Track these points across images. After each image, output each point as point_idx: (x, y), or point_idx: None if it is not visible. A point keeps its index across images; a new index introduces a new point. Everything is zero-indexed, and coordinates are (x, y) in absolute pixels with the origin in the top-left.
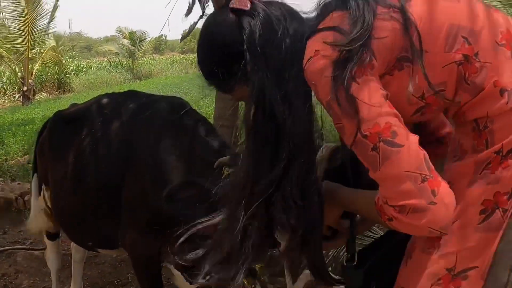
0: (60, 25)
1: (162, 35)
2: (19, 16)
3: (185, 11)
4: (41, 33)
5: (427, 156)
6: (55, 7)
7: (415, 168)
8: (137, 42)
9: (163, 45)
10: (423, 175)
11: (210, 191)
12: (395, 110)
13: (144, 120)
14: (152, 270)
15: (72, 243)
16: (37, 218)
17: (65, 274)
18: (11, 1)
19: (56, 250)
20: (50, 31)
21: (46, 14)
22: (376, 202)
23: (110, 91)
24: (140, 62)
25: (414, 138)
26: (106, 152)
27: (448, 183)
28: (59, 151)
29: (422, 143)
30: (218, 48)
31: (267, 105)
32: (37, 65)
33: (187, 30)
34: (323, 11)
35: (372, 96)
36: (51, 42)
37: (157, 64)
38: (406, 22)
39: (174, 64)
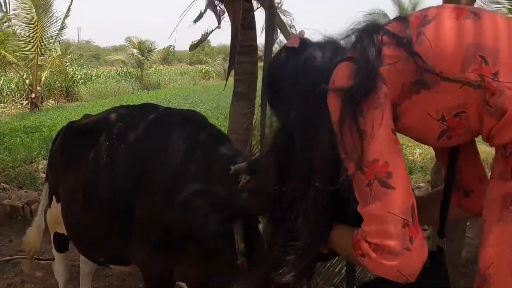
0: (69, 33)
1: (170, 46)
2: (29, 23)
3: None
4: (50, 40)
5: (415, 203)
6: (66, 15)
7: (399, 212)
8: (146, 52)
9: (171, 56)
10: (406, 221)
11: (225, 200)
12: (398, 147)
13: (158, 134)
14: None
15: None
16: (32, 233)
17: (72, 285)
18: (21, 8)
19: (64, 262)
20: (59, 39)
21: (56, 21)
22: (353, 236)
23: (118, 101)
24: (148, 73)
25: (407, 183)
26: (119, 166)
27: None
28: (70, 163)
29: (448, 188)
30: (270, 78)
31: (291, 134)
32: (45, 72)
33: (197, 40)
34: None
35: (376, 132)
36: (58, 50)
37: (165, 74)
38: (412, 53)
39: (183, 75)
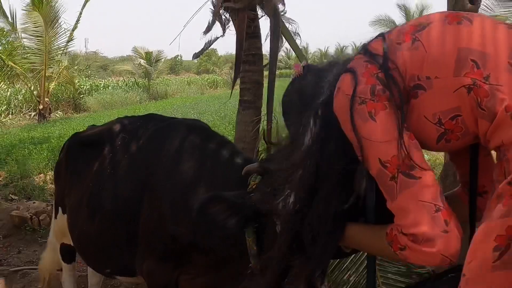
0: (77, 44)
1: (177, 55)
2: (38, 36)
3: (201, 32)
4: (57, 52)
5: (441, 190)
6: (75, 27)
7: (429, 199)
8: (153, 62)
9: (178, 66)
10: (437, 206)
11: (239, 204)
12: (415, 141)
13: (162, 144)
14: None
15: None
16: (47, 258)
17: None
18: (30, 22)
19: (72, 273)
20: (67, 50)
21: (65, 33)
22: (387, 233)
23: (125, 111)
24: (156, 82)
25: (430, 172)
26: (124, 177)
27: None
28: (76, 175)
29: (473, 189)
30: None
31: (301, 147)
32: (53, 83)
33: (200, 50)
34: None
35: (390, 130)
36: (65, 61)
37: (172, 84)
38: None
39: (190, 85)
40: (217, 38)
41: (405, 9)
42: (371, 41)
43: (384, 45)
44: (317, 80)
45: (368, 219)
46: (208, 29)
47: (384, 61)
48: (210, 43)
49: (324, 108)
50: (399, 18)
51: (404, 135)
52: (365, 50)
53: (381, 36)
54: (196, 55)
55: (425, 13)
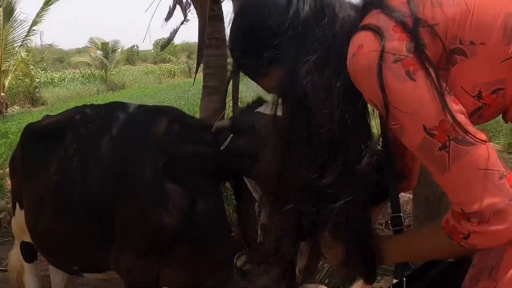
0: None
1: (134, 45)
2: None
3: (159, 21)
4: (13, 45)
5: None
6: (35, 22)
7: (491, 165)
8: (110, 52)
9: (135, 56)
10: (500, 172)
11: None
12: (460, 106)
13: (137, 132)
14: None
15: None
16: (14, 256)
17: None
18: None
19: (35, 272)
20: (24, 43)
21: (21, 25)
22: (443, 226)
23: (83, 103)
24: (113, 73)
25: (483, 136)
26: (95, 169)
27: None
28: (34, 168)
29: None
30: (259, 23)
31: (298, 95)
32: (9, 78)
33: (162, 39)
34: (365, 7)
35: (434, 92)
36: (22, 55)
37: (130, 75)
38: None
39: (147, 75)
40: (182, 23)
41: None
42: None
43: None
44: (320, 6)
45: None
46: (170, 14)
47: (414, 18)
48: (175, 31)
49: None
50: None
51: (448, 99)
52: (383, 5)
53: None
54: (163, 46)
55: None
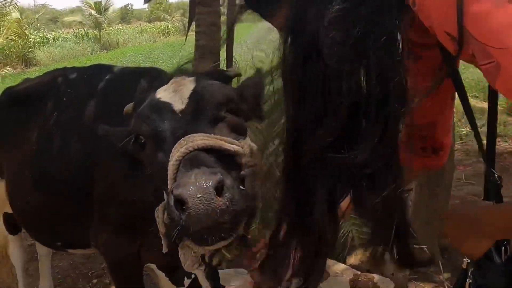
0: None
1: (128, 4)
2: None
3: None
4: (4, 5)
5: None
6: None
7: None
8: (103, 11)
9: (129, 15)
10: None
11: None
12: None
13: (117, 98)
14: (130, 272)
15: None
16: None
17: (33, 267)
18: None
19: (19, 244)
20: (14, 3)
21: None
22: None
23: (77, 63)
24: (107, 32)
25: None
26: (72, 140)
27: None
28: (13, 136)
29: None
30: None
31: (309, 34)
32: (1, 38)
33: None
34: None
35: None
36: (15, 15)
37: (124, 34)
38: None
39: (142, 33)
40: None
41: None
42: None
43: None
44: None
45: None
46: None
47: None
48: None
49: None
50: None
51: None
52: None
53: None
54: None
55: None
